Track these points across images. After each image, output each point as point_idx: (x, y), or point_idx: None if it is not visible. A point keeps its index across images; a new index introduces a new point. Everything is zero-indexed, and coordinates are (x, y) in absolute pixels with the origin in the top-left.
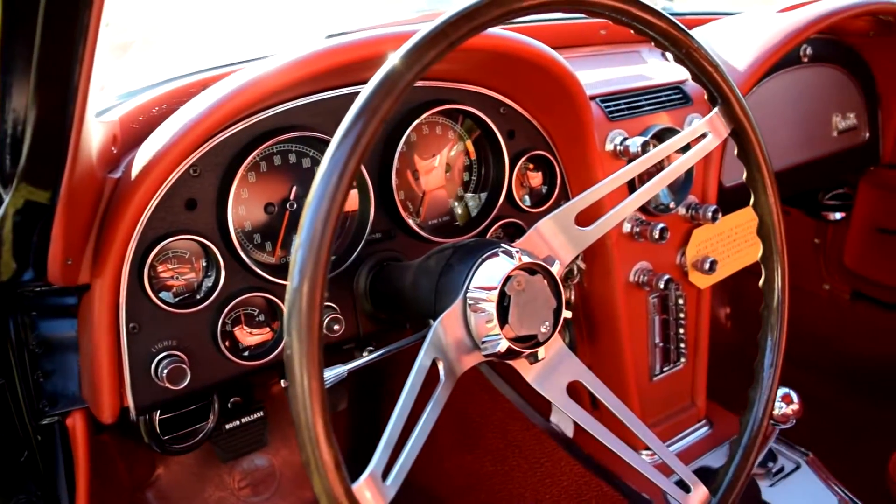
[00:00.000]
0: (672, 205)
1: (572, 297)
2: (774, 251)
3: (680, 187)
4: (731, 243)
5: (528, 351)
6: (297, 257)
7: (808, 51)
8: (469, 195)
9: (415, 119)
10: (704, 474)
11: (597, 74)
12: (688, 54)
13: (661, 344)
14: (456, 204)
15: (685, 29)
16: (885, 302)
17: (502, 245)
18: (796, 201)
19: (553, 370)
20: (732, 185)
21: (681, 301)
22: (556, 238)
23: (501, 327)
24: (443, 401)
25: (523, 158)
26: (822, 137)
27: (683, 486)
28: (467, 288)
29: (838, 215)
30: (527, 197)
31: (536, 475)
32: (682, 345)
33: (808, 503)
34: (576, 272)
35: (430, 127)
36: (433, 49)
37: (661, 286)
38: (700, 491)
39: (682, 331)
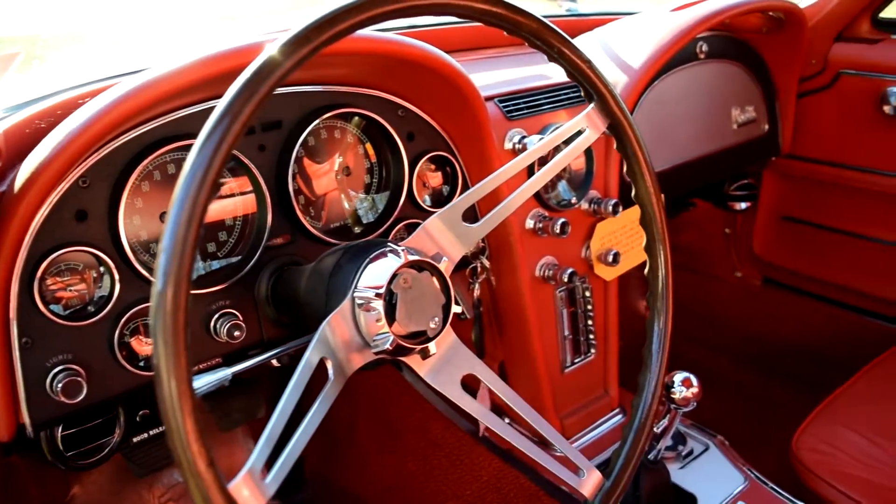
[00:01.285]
0: (574, 200)
1: (477, 294)
2: (656, 239)
3: (581, 183)
4: (634, 235)
5: (419, 347)
6: (159, 262)
7: (704, 47)
8: (371, 197)
9: (310, 123)
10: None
11: (498, 75)
12: (560, 53)
13: (570, 336)
14: (358, 206)
15: (556, 29)
16: (792, 287)
17: (390, 245)
18: (703, 193)
19: (446, 364)
20: None
21: (587, 293)
22: (444, 236)
23: (390, 325)
24: (331, 399)
25: (424, 159)
26: (722, 131)
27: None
28: (355, 287)
29: (744, 205)
30: (427, 197)
31: (457, 472)
32: (592, 336)
33: (717, 484)
34: (480, 269)
35: (329, 131)
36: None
37: (566, 280)
38: (593, 475)
39: (590, 322)
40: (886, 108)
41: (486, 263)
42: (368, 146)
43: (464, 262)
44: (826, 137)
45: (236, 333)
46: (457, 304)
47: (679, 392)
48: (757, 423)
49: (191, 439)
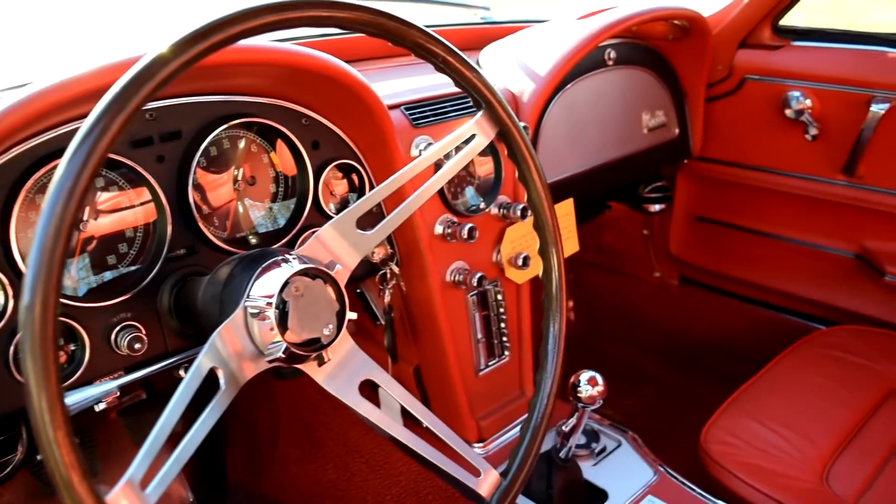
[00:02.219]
0: (482, 205)
1: (388, 300)
2: (549, 242)
3: (490, 188)
4: None
5: (314, 354)
6: (26, 276)
7: (613, 54)
8: (277, 206)
9: (210, 133)
10: None
11: (405, 83)
12: (446, 63)
13: (483, 339)
14: (264, 215)
15: (440, 39)
16: (707, 285)
17: (284, 253)
18: (619, 196)
19: (342, 370)
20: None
21: (500, 297)
22: (339, 244)
23: (283, 333)
24: (221, 408)
25: (329, 167)
26: (633, 135)
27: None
28: (248, 297)
29: (658, 207)
30: (334, 205)
31: (377, 477)
32: (506, 339)
33: (627, 479)
34: (390, 276)
35: (232, 141)
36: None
37: (475, 284)
38: (491, 475)
39: (503, 325)
40: (788, 112)
41: (396, 270)
42: (273, 155)
43: (373, 269)
44: (734, 140)
45: (137, 346)
46: (387, 313)
47: (585, 391)
48: (674, 418)
49: (63, 452)
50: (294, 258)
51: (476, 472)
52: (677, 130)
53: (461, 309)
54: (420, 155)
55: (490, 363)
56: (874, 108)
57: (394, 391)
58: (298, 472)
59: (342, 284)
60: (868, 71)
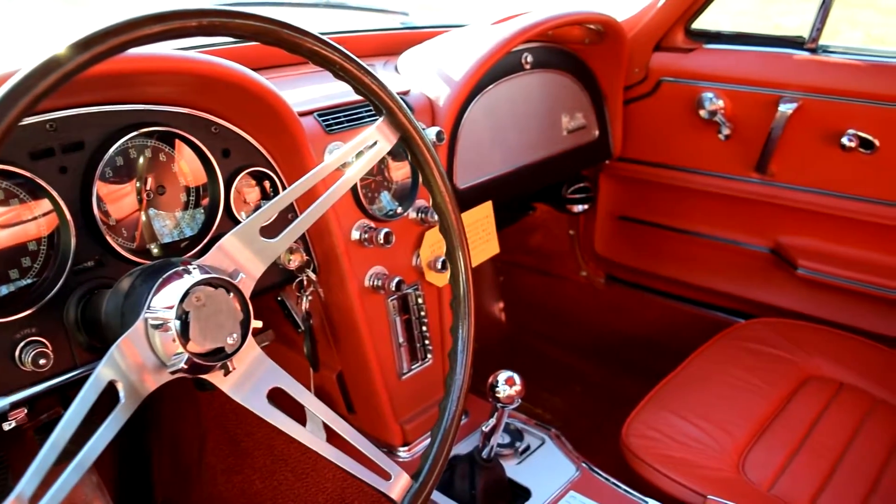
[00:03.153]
0: (399, 210)
1: (306, 307)
2: (455, 246)
3: (407, 193)
4: None
5: (218, 364)
6: None
7: (529, 58)
8: (187, 215)
9: (114, 143)
10: (454, 461)
11: (320, 90)
12: (343, 70)
13: (405, 343)
14: (174, 225)
15: (337, 46)
16: (632, 283)
17: (185, 264)
18: (542, 197)
19: (249, 379)
20: (467, 187)
21: (420, 301)
22: (242, 252)
23: (185, 344)
24: (120, 422)
25: (241, 175)
26: (553, 137)
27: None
28: (148, 308)
29: (581, 207)
30: (246, 213)
31: (304, 485)
32: (428, 342)
33: (550, 476)
34: (307, 283)
35: (139, 150)
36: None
37: (394, 288)
38: (402, 478)
39: (425, 329)
40: (702, 113)
41: (313, 276)
42: (183, 164)
43: (291, 276)
44: (652, 141)
45: (42, 361)
46: (306, 319)
47: (503, 391)
48: (602, 414)
49: None
50: (195, 268)
51: (387, 476)
52: (597, 132)
53: (381, 314)
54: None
55: (413, 367)
56: (782, 107)
57: (302, 397)
58: (225, 484)
59: (247, 293)
60: (776, 72)
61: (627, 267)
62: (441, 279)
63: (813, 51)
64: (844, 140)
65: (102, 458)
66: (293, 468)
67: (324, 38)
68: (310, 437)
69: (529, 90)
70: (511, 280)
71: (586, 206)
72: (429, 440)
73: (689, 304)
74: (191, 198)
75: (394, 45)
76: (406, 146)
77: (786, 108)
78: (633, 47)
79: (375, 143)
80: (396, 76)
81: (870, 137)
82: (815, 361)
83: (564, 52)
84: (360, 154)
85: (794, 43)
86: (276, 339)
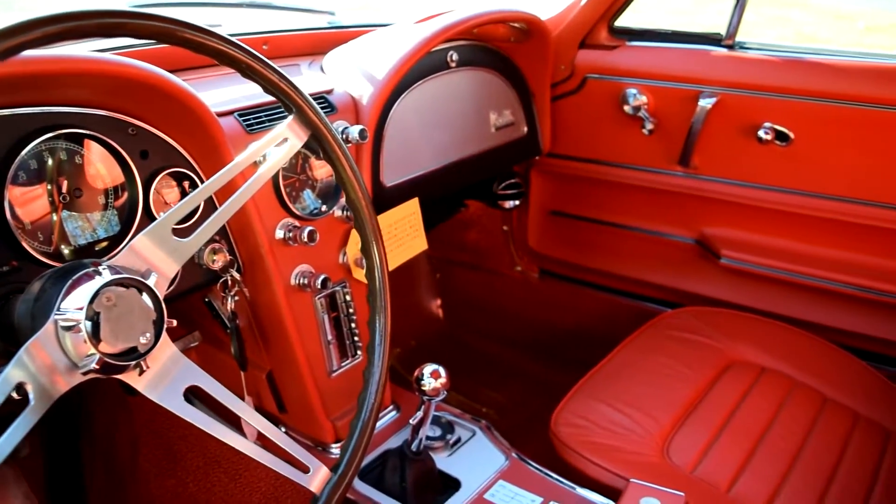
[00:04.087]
0: (324, 208)
1: (232, 307)
2: (370, 241)
3: (332, 192)
4: (392, 238)
5: (132, 363)
6: None
7: (455, 57)
8: (105, 216)
9: (25, 146)
10: (385, 455)
11: (242, 89)
12: (250, 69)
13: (334, 341)
14: (91, 226)
15: (242, 46)
16: (566, 276)
17: (96, 265)
18: (474, 194)
19: (164, 378)
20: (394, 184)
21: (348, 298)
22: (154, 252)
23: (96, 344)
24: (29, 424)
25: (160, 176)
26: (481, 134)
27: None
28: (58, 309)
29: (511, 203)
30: (163, 214)
31: (237, 486)
32: (357, 339)
33: (480, 466)
34: (231, 283)
35: (53, 153)
36: None
37: (319, 286)
38: (321, 471)
39: (354, 326)
40: (626, 108)
41: (238, 276)
42: (100, 166)
43: (215, 276)
44: (580, 136)
45: None
46: (232, 320)
47: (429, 383)
48: (540, 406)
49: None
50: (105, 269)
51: (306, 469)
52: (526, 128)
53: (309, 312)
54: (265, 160)
55: (343, 364)
56: (702, 102)
57: (218, 394)
58: (159, 489)
59: (160, 293)
60: (695, 68)
61: (560, 261)
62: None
63: (730, 47)
64: (761, 133)
65: (32, 468)
66: (226, 469)
67: (230, 37)
68: (228, 434)
69: (456, 88)
70: (448, 277)
71: (517, 202)
72: None
73: (620, 296)
74: (109, 200)
75: (320, 44)
76: (317, 143)
77: (705, 103)
78: (558, 45)
79: (286, 140)
80: (321, 75)
81: (785, 130)
82: (738, 347)
83: (491, 49)
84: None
85: (713, 40)
86: (205, 341)
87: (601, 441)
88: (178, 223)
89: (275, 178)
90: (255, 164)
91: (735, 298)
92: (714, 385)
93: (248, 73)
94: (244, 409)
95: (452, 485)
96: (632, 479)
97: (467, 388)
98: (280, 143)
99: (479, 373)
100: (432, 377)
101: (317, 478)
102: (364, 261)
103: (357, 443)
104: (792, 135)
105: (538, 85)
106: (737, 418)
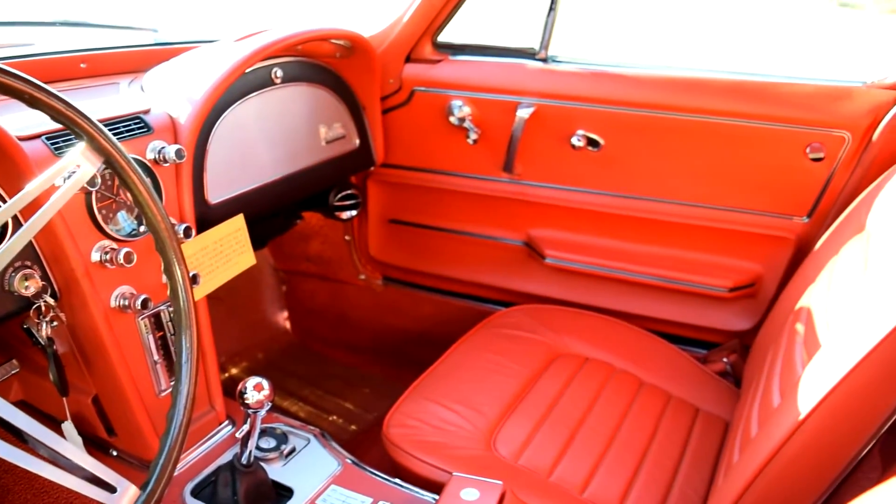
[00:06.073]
0: (142, 229)
1: (48, 333)
2: (172, 262)
3: None
4: (218, 255)
5: None
6: None
7: (280, 73)
8: None
9: None
10: (218, 471)
11: None
12: (34, 100)
13: (161, 361)
14: None
15: (22, 76)
16: (407, 282)
17: None
18: (312, 206)
19: None
20: (220, 202)
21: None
22: None
23: None
24: None
25: None
26: (311, 148)
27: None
28: None
29: (349, 214)
30: None
31: None
32: None
33: (314, 473)
34: (46, 309)
35: None
36: None
37: (139, 307)
38: (129, 490)
39: None
40: (452, 119)
41: (52, 302)
42: None
43: (28, 303)
44: (412, 147)
45: None
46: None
47: (252, 396)
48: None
49: None
50: None
51: (113, 489)
52: (358, 141)
53: (133, 333)
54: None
55: (172, 383)
56: (520, 112)
57: (16, 420)
58: None
59: None
60: (513, 80)
61: (401, 267)
62: (194, 293)
63: (544, 60)
64: (574, 140)
65: None
66: (55, 499)
67: (7, 67)
68: (24, 458)
69: (283, 104)
70: (294, 288)
71: (354, 213)
72: (195, 453)
73: (458, 298)
74: None
75: (143, 61)
76: (111, 169)
77: (523, 113)
78: (386, 59)
79: (80, 167)
80: (140, 94)
81: (596, 137)
82: (563, 340)
83: (318, 65)
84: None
85: (528, 54)
86: (28, 368)
87: (431, 439)
88: None
89: (88, 201)
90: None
91: (561, 295)
92: (540, 378)
93: (32, 103)
94: (42, 433)
95: (285, 494)
96: (454, 473)
97: (315, 398)
98: (74, 171)
99: (328, 381)
100: (255, 390)
101: (125, 497)
102: (168, 281)
103: (165, 460)
104: (602, 141)
105: (368, 98)
106: (559, 407)
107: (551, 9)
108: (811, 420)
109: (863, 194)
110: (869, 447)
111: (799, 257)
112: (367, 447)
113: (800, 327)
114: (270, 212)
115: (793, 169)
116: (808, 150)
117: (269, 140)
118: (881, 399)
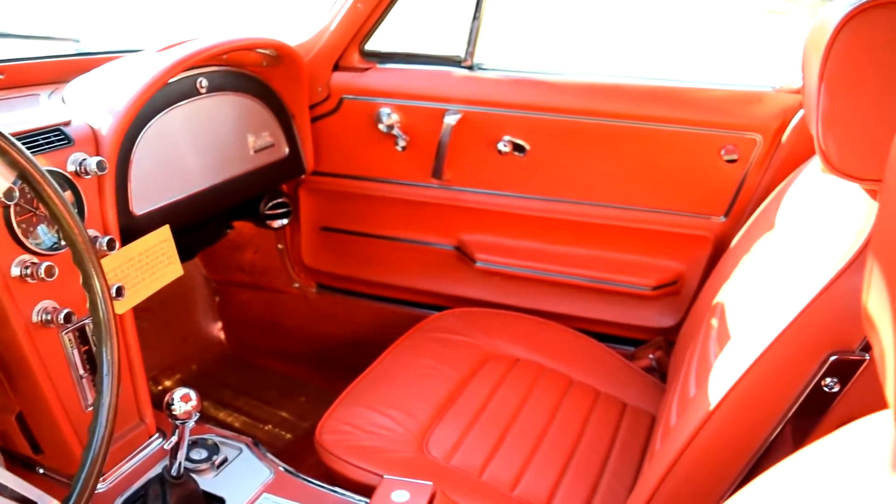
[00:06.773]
0: (63, 243)
1: None
2: (90, 275)
3: None
4: (144, 267)
5: None
6: None
7: (205, 83)
8: None
9: None
10: (148, 484)
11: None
12: None
13: (87, 375)
14: None
15: None
16: (341, 289)
17: None
18: (240, 215)
19: None
20: (145, 213)
21: None
22: None
23: None
24: None
25: None
26: (239, 157)
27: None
28: None
29: (280, 222)
30: None
31: None
32: None
33: (246, 482)
34: None
35: None
36: None
37: (62, 321)
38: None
39: None
40: (381, 126)
41: None
42: None
43: None
44: (342, 155)
45: None
46: None
47: (179, 408)
48: (320, 416)
49: None
50: None
51: None
52: (287, 149)
53: (56, 348)
54: None
55: None
56: (447, 119)
57: None
58: None
59: None
60: (440, 87)
61: (335, 274)
62: (119, 306)
63: (470, 68)
64: (500, 146)
65: None
66: None
67: None
68: None
69: (208, 113)
70: (227, 299)
71: (285, 221)
72: (126, 466)
73: (392, 304)
74: None
75: (66, 72)
76: (27, 184)
77: (450, 120)
78: (314, 68)
79: None
80: (61, 106)
81: (521, 142)
82: (494, 342)
83: (244, 74)
84: None
85: (454, 61)
86: None
87: (363, 444)
88: None
89: (6, 214)
90: None
91: (492, 297)
92: (472, 380)
93: None
94: None
95: (216, 503)
96: (385, 476)
97: (251, 408)
98: None
99: (264, 390)
100: (182, 401)
101: None
102: (87, 294)
103: (87, 473)
104: (528, 146)
105: (297, 107)
106: (491, 407)
107: (475, 17)
108: (722, 408)
109: (773, 193)
110: (779, 430)
111: (717, 255)
112: (302, 455)
113: (714, 322)
114: (199, 222)
115: (709, 170)
116: (722, 152)
117: (195, 150)
118: (787, 385)
